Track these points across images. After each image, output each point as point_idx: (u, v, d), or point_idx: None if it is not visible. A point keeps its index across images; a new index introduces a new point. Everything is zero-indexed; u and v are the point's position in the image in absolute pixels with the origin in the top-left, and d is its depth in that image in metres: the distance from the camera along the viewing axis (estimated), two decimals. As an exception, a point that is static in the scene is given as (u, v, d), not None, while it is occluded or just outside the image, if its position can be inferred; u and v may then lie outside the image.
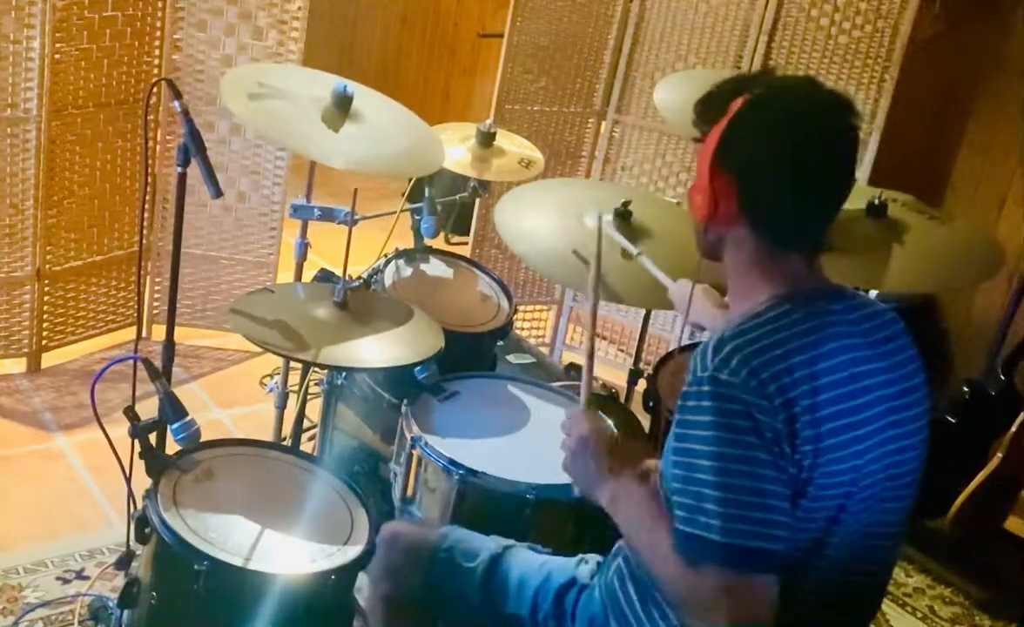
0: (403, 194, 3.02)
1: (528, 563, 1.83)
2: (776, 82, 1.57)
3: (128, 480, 2.00)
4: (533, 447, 2.13)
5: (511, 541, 1.88)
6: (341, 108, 2.35)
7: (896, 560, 1.70)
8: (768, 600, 1.40)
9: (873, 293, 2.76)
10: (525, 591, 1.79)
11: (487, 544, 1.87)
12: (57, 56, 3.10)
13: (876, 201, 2.51)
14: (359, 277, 2.58)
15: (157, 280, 3.60)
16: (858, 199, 2.49)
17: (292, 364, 2.72)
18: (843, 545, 1.50)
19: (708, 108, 1.55)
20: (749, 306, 1.53)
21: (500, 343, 2.70)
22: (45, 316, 3.36)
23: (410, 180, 3.07)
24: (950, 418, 3.14)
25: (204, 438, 1.90)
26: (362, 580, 1.92)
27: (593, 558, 1.79)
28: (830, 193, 1.54)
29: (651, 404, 2.53)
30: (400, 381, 2.28)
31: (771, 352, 1.44)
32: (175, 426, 1.85)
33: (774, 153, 1.49)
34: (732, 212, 1.51)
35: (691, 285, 2.08)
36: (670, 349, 3.60)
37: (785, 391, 1.42)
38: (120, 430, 1.84)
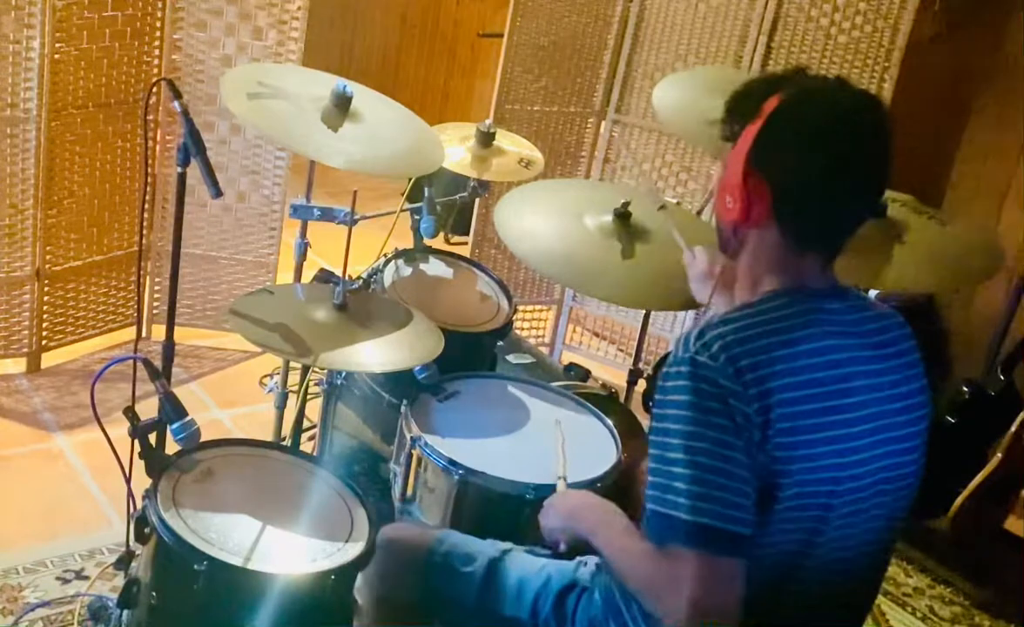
0: (403, 194, 3.02)
1: (527, 566, 1.83)
2: (808, 83, 1.55)
3: (128, 480, 1.99)
4: (533, 447, 2.13)
5: (508, 545, 1.88)
6: (341, 108, 2.35)
7: (887, 564, 1.69)
8: (733, 582, 1.40)
9: (873, 293, 2.76)
10: (524, 594, 1.79)
11: (484, 548, 1.87)
12: (57, 56, 3.10)
13: (876, 201, 2.51)
14: (359, 277, 2.58)
15: (157, 280, 3.60)
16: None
17: (292, 364, 2.72)
18: (831, 548, 1.50)
19: (740, 107, 1.53)
20: (747, 298, 1.54)
21: (500, 343, 2.70)
22: (45, 316, 3.36)
23: (410, 180, 3.06)
24: (950, 418, 3.14)
25: (204, 438, 1.89)
26: (361, 579, 1.92)
27: (592, 560, 1.78)
28: (866, 195, 1.53)
29: (651, 404, 2.53)
30: (400, 381, 2.28)
31: (752, 342, 1.44)
32: (175, 426, 1.85)
33: (812, 157, 1.47)
34: (764, 213, 1.50)
35: (707, 253, 2.04)
36: (670, 349, 3.60)
37: (762, 381, 1.42)
38: (120, 430, 1.84)
